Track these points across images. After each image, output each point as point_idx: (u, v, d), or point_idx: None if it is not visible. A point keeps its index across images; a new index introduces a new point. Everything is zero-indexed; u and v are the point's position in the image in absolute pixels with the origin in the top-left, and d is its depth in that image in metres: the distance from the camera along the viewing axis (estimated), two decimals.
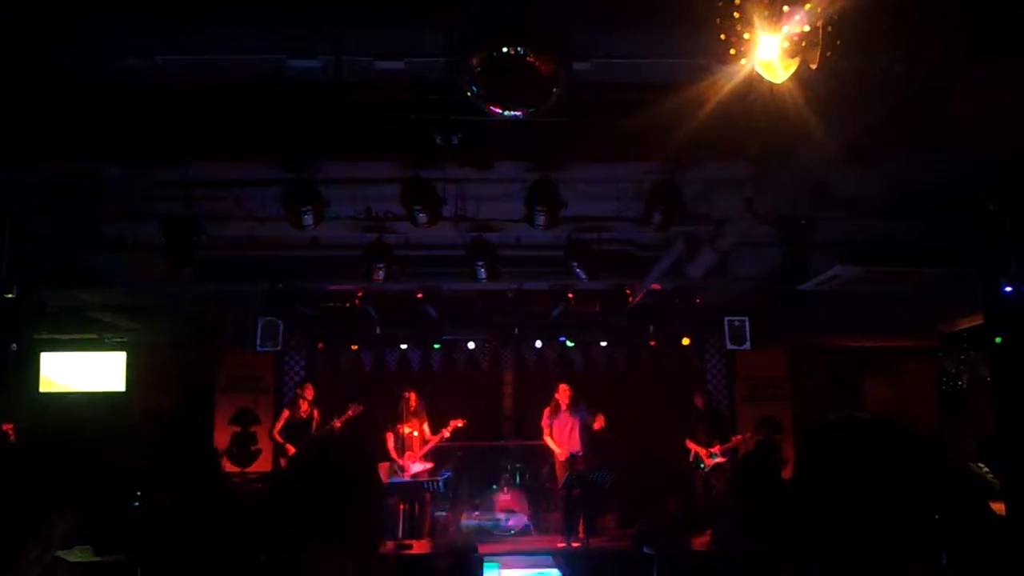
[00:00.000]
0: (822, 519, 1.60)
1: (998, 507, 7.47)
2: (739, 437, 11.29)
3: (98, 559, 7.08)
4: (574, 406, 10.88)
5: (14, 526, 2.36)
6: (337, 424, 10.94)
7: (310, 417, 11.28)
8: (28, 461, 2.50)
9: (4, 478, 2.48)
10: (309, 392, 11.48)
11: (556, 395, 11.01)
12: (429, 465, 10.97)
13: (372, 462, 2.13)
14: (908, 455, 1.59)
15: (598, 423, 10.89)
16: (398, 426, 10.84)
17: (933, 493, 1.60)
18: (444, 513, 11.68)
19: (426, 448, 10.88)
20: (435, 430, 11.00)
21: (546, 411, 11.08)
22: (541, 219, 6.66)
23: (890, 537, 1.53)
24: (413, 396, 10.95)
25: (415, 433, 10.81)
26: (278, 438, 11.12)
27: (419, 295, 10.11)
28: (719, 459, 10.98)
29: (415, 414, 10.92)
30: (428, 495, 10.73)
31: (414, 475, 10.60)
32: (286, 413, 11.35)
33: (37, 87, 5.22)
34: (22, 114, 5.39)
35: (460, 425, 11.00)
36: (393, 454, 10.78)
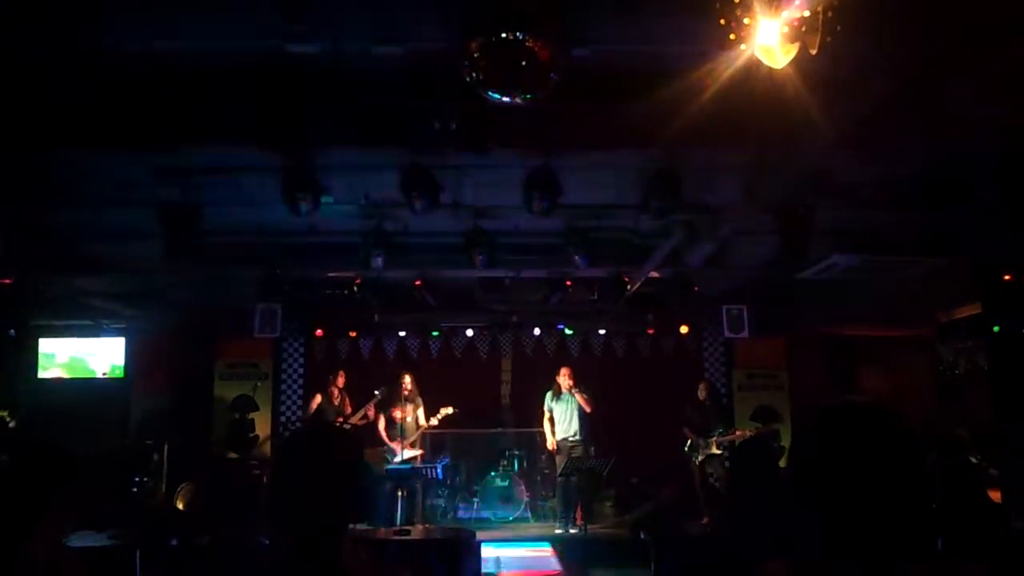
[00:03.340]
0: (818, 505, 1.60)
1: (994, 495, 7.50)
2: (738, 432, 11.29)
3: (101, 543, 7.10)
4: (575, 388, 10.89)
5: (28, 506, 2.38)
6: (371, 411, 11.05)
7: (341, 403, 11.39)
8: (37, 444, 2.51)
9: (16, 461, 2.49)
10: (341, 380, 11.59)
11: (557, 378, 11.02)
12: (420, 452, 10.99)
13: (348, 448, 2.16)
14: (905, 441, 1.59)
15: (587, 405, 10.87)
16: (391, 410, 10.89)
17: (929, 480, 1.60)
18: (442, 501, 11.73)
19: (416, 434, 10.90)
20: (428, 416, 11.03)
21: (547, 396, 11.10)
22: (539, 206, 6.64)
23: (887, 523, 1.53)
24: (409, 380, 10.98)
25: (408, 419, 10.84)
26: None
27: (417, 282, 10.09)
28: (714, 450, 10.98)
29: (410, 399, 10.95)
30: (426, 481, 10.76)
31: (404, 461, 10.62)
32: (318, 398, 11.45)
33: (32, 74, 5.19)
34: (18, 101, 5.37)
35: (450, 412, 11.03)
36: (384, 436, 10.81)
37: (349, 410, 11.41)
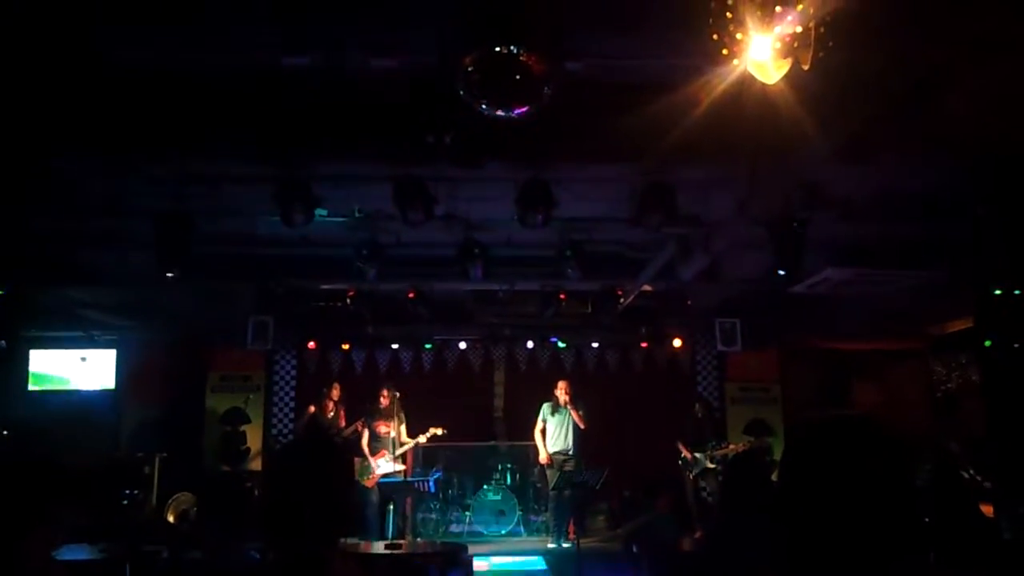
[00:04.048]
0: (807, 520, 1.60)
1: (987, 509, 7.50)
2: (732, 446, 11.29)
3: (92, 556, 7.06)
4: (572, 404, 10.86)
5: (19, 519, 2.37)
6: (360, 426, 10.99)
7: (336, 416, 11.35)
8: (28, 457, 2.50)
9: (9, 471, 2.48)
10: (336, 392, 11.59)
11: (555, 391, 10.99)
12: (402, 467, 10.88)
13: (339, 461, 2.15)
14: (892, 454, 1.59)
15: (581, 422, 10.86)
16: (374, 424, 10.80)
17: (918, 492, 1.60)
18: (435, 515, 11.68)
19: (400, 450, 10.80)
20: (415, 433, 10.94)
21: (543, 407, 11.06)
22: (532, 219, 6.65)
23: (876, 537, 1.53)
24: (384, 395, 10.88)
25: (392, 433, 10.75)
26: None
27: (411, 294, 10.08)
28: (708, 464, 10.99)
29: (390, 413, 10.85)
30: (418, 495, 10.71)
31: (385, 475, 10.54)
32: (312, 409, 11.46)
33: (27, 82, 5.19)
34: (12, 109, 5.36)
35: (439, 433, 10.98)
36: (365, 451, 10.73)
37: (343, 423, 11.38)
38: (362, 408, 11.17)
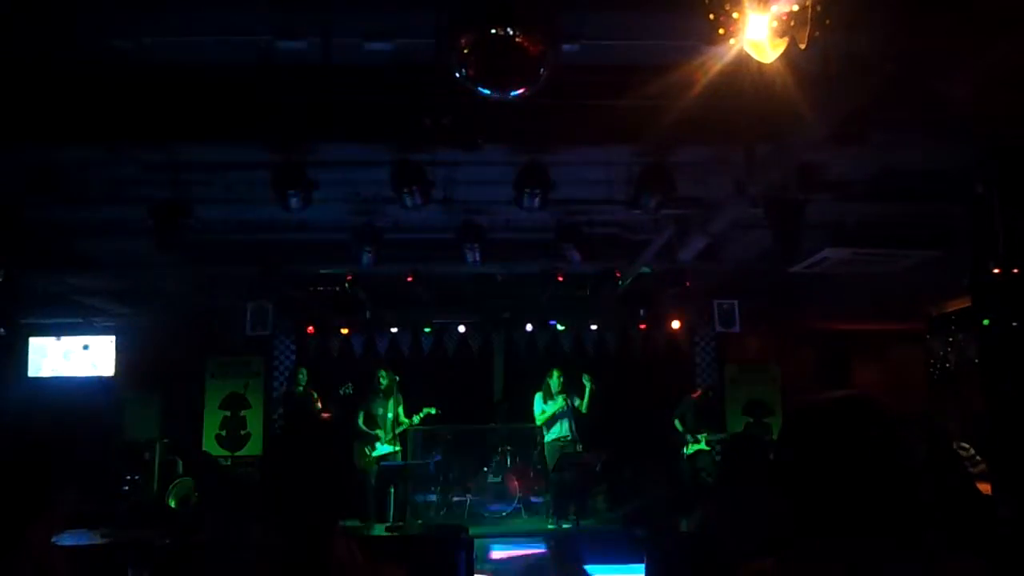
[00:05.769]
0: (805, 499, 1.60)
1: (984, 488, 7.52)
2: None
3: (94, 542, 7.09)
4: (565, 391, 10.87)
5: (22, 504, 2.38)
6: (327, 414, 11.02)
7: (308, 400, 11.36)
8: (30, 443, 2.50)
9: (11, 458, 2.49)
10: (304, 376, 11.57)
11: (548, 379, 10.99)
12: (398, 448, 10.88)
13: (335, 446, 2.16)
14: (884, 433, 1.59)
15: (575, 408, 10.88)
16: (371, 405, 10.80)
17: (914, 471, 1.61)
18: (435, 496, 11.72)
19: (398, 430, 10.81)
20: (410, 414, 10.96)
21: (536, 396, 11.06)
22: (530, 202, 6.64)
23: (873, 517, 1.54)
24: (382, 377, 10.91)
25: (389, 415, 10.76)
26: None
27: (409, 279, 10.07)
28: (704, 445, 11.02)
29: (388, 395, 10.87)
30: (418, 477, 10.74)
31: (383, 456, 10.59)
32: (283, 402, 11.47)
33: (20, 69, 5.17)
34: (8, 97, 5.35)
35: (432, 413, 11.00)
36: (365, 431, 10.74)
37: (320, 405, 11.38)
38: (359, 392, 11.16)
